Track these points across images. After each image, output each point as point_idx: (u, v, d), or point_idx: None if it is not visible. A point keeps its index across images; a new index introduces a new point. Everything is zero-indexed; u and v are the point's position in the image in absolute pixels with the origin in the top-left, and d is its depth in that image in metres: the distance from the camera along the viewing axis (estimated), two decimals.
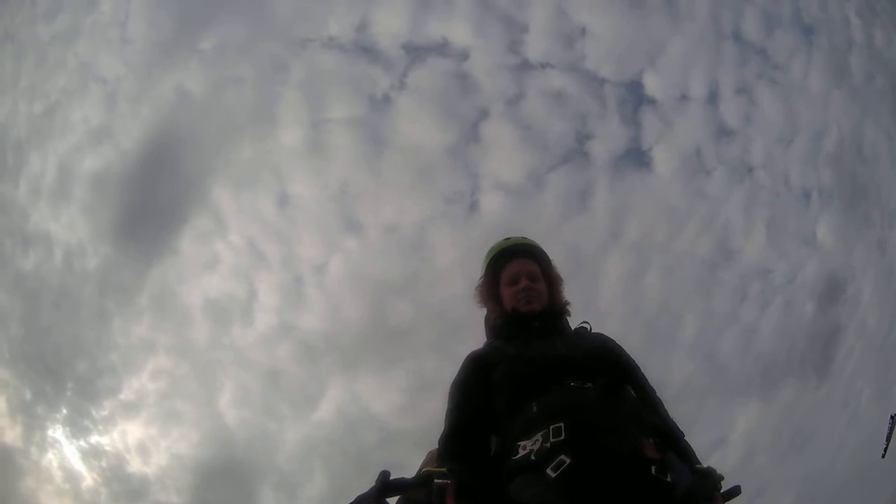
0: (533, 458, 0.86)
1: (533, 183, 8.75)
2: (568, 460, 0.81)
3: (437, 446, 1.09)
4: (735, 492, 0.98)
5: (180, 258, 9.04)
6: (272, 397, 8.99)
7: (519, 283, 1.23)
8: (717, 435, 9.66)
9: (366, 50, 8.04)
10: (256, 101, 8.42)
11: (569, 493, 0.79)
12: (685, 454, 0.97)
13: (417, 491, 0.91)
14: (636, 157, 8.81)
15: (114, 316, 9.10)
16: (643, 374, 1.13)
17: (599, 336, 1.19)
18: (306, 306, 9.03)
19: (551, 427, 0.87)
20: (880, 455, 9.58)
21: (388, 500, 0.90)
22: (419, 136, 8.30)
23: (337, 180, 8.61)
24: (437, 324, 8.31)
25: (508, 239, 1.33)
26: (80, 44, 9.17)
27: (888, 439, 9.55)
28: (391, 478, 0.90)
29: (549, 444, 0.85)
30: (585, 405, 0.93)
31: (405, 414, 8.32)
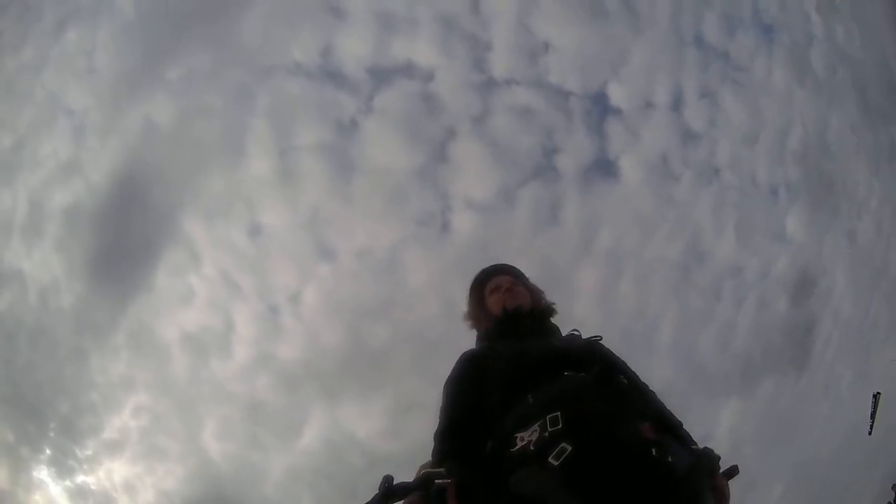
0: (532, 448, 0.85)
1: (503, 199, 8.85)
2: (569, 448, 0.81)
3: (428, 459, 1.10)
4: (733, 472, 1.00)
5: (155, 292, 8.96)
6: (255, 428, 8.94)
7: (501, 289, 1.31)
8: (703, 432, 9.77)
9: (331, 75, 8.08)
10: (224, 131, 8.40)
11: (572, 479, 0.79)
12: (682, 438, 0.98)
13: (416, 495, 0.91)
14: (604, 167, 8.95)
15: (91, 353, 8.98)
16: (633, 371, 1.16)
17: (589, 339, 1.22)
18: (284, 335, 9.01)
19: (548, 417, 0.87)
20: (867, 434, 9.81)
21: None
22: (388, 159, 8.35)
23: (308, 208, 8.62)
24: (415, 345, 8.36)
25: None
26: (47, 75, 9.04)
27: (873, 417, 9.78)
28: (394, 483, 0.90)
29: (547, 434, 0.85)
30: (580, 393, 0.94)
31: (389, 437, 8.34)
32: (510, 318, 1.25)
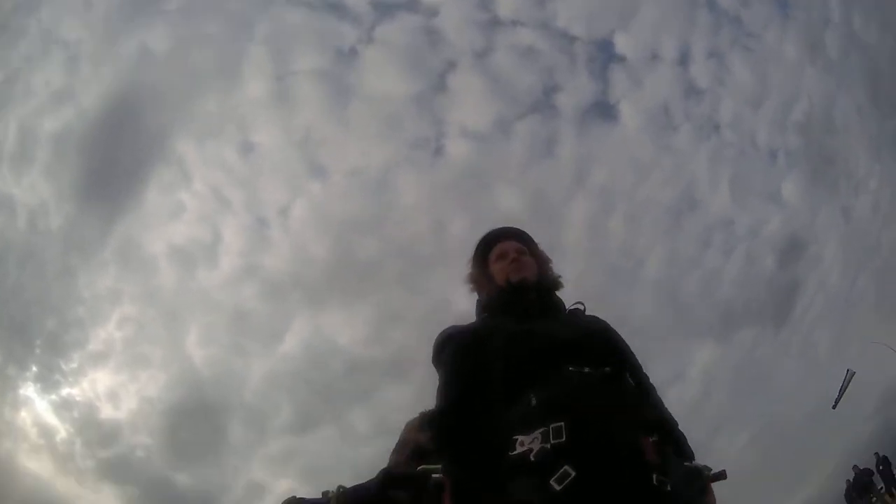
0: (532, 458, 0.83)
1: (499, 131, 8.84)
2: (573, 473, 0.80)
3: (416, 416, 1.19)
4: (721, 476, 1.01)
5: (144, 209, 8.99)
6: (238, 335, 9.09)
7: (507, 257, 1.24)
8: (676, 371, 10.02)
9: (333, 6, 7.92)
10: (221, 57, 8.29)
11: None
12: (680, 448, 0.98)
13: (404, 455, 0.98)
14: (603, 110, 8.96)
15: (79, 270, 9.06)
16: (637, 360, 1.13)
17: (594, 318, 1.19)
18: (271, 247, 9.09)
19: (551, 427, 0.85)
20: (831, 406, 10.04)
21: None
22: (386, 87, 8.30)
23: (301, 128, 8.59)
24: (402, 259, 8.43)
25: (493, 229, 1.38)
26: (43, 10, 8.86)
27: (841, 391, 9.98)
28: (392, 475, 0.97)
29: (549, 446, 0.83)
30: (585, 398, 0.91)
31: (371, 344, 8.49)
32: (514, 290, 1.19)
